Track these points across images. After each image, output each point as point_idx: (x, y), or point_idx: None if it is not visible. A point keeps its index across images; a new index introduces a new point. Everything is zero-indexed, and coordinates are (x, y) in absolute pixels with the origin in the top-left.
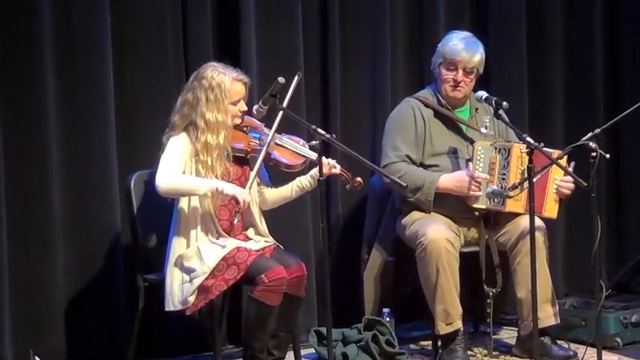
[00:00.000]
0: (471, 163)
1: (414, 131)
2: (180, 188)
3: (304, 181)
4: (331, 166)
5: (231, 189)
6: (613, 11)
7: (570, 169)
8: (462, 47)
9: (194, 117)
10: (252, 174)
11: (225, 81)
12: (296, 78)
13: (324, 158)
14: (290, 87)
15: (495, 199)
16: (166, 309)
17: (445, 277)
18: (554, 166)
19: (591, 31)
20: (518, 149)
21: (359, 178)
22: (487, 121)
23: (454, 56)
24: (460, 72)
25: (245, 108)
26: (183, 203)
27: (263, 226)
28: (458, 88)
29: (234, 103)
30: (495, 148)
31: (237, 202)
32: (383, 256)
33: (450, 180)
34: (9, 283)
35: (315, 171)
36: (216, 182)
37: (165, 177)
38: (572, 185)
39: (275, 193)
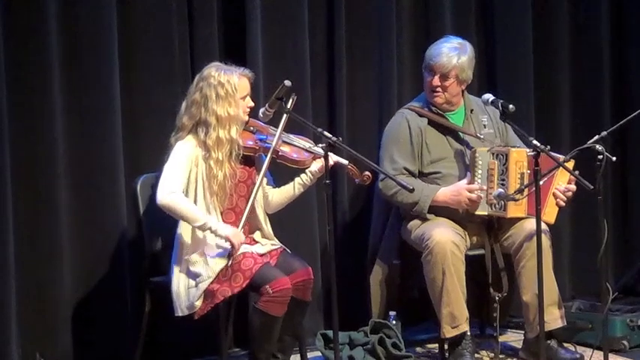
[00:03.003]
0: (470, 172)
1: (409, 143)
2: (177, 212)
3: (304, 178)
4: (335, 161)
5: (224, 230)
6: (619, 13)
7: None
8: (440, 52)
9: (203, 115)
10: (252, 196)
11: (232, 77)
12: (291, 101)
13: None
14: (288, 107)
15: (496, 205)
16: (176, 315)
17: (451, 280)
18: (558, 171)
19: (598, 33)
20: (516, 154)
21: (367, 172)
22: (485, 120)
23: (429, 60)
24: (437, 77)
25: (252, 104)
26: None
27: (268, 228)
28: (435, 93)
29: (243, 98)
30: (492, 154)
31: (231, 244)
32: (389, 259)
33: (445, 194)
34: (15, 287)
35: (314, 166)
36: (212, 222)
37: (166, 194)
38: (570, 194)
39: (278, 193)
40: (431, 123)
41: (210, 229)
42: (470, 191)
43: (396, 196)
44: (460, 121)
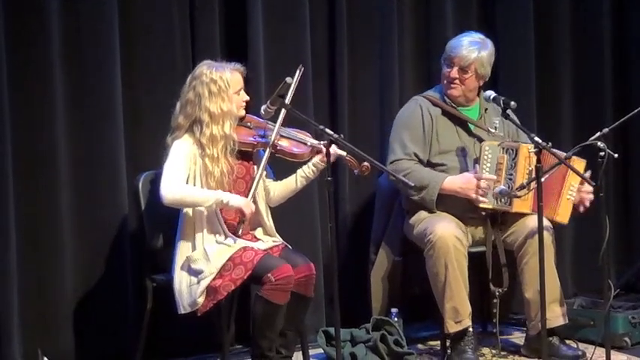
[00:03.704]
0: (478, 164)
1: (421, 129)
2: (186, 200)
3: (307, 170)
4: (335, 152)
5: (236, 200)
6: (621, 10)
7: (584, 174)
8: (461, 45)
9: (198, 113)
10: (255, 180)
11: (224, 73)
12: (298, 72)
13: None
14: (293, 82)
15: (502, 199)
16: (179, 312)
17: (454, 274)
18: (571, 171)
19: (599, 31)
20: (526, 149)
21: (366, 163)
22: (497, 121)
23: (450, 52)
24: (455, 69)
25: (247, 97)
26: None
27: (270, 223)
28: (452, 86)
29: (237, 93)
30: (503, 148)
31: (242, 213)
32: (391, 256)
33: (455, 182)
34: (17, 284)
35: (316, 159)
36: (221, 194)
37: (171, 188)
38: (591, 197)
39: (280, 186)
40: (444, 113)
41: (222, 201)
42: (479, 180)
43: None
44: (474, 118)
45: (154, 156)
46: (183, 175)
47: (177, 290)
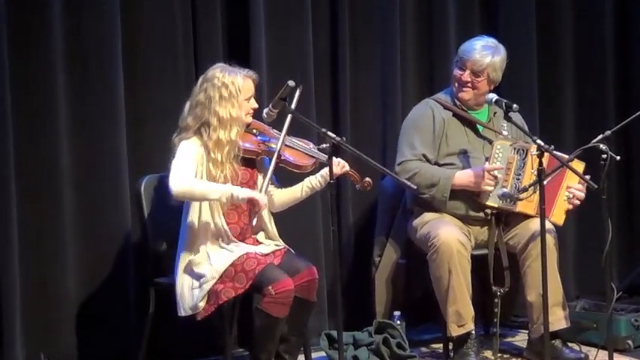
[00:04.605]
0: (488, 162)
1: (431, 131)
2: (195, 192)
3: (314, 181)
4: (341, 166)
5: (246, 193)
6: (623, 12)
7: (583, 174)
8: (475, 48)
9: (207, 116)
10: (268, 177)
11: (237, 78)
12: (298, 91)
13: (333, 158)
14: (294, 98)
15: (507, 200)
16: (179, 314)
17: (457, 278)
18: (568, 173)
19: (602, 33)
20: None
21: (368, 179)
22: (506, 125)
23: (463, 55)
24: (467, 72)
25: (256, 105)
26: (193, 208)
27: (273, 229)
28: (464, 89)
29: (247, 100)
30: (514, 149)
31: (254, 204)
32: (395, 256)
33: (465, 176)
34: (20, 287)
35: (325, 171)
36: (231, 188)
37: (179, 180)
38: (582, 195)
39: (284, 194)
40: (455, 116)
41: (232, 195)
42: (490, 171)
43: (412, 179)
44: (484, 121)
45: (157, 159)
46: (192, 169)
47: (178, 292)
